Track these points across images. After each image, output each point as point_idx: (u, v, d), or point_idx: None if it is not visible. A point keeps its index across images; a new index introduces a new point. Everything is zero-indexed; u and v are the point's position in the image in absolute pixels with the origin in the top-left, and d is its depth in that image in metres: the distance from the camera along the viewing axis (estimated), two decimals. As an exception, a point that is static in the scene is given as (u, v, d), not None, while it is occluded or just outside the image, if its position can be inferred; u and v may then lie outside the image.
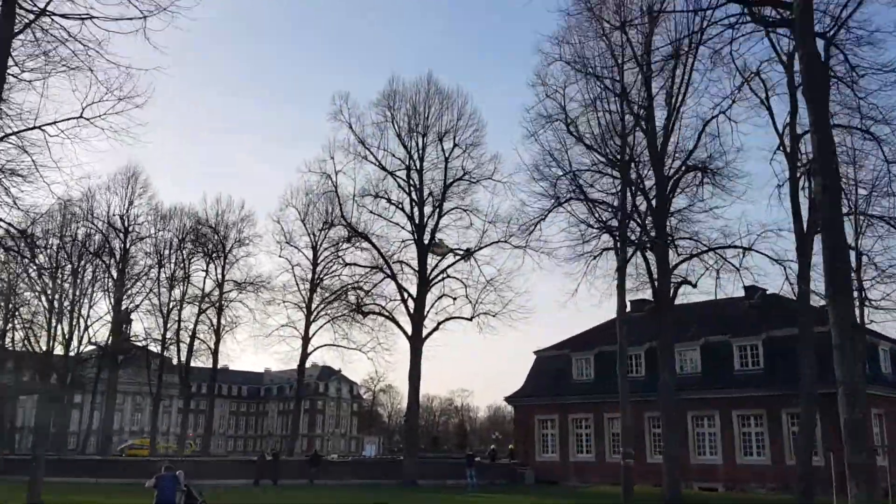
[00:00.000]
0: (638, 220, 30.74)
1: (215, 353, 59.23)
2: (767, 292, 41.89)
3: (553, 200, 30.59)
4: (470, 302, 42.47)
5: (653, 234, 30.75)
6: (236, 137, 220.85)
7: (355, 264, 43.04)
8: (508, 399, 49.16)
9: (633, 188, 30.86)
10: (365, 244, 43.90)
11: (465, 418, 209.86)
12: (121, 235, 63.29)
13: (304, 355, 57.10)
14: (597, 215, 30.77)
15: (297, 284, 57.17)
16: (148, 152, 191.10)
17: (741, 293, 37.22)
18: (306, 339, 57.20)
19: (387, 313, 42.60)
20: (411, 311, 41.48)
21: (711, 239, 31.69)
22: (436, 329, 41.86)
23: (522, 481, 44.24)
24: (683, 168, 31.48)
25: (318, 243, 58.12)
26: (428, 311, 41.68)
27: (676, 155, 31.92)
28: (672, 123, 31.01)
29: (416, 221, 42.39)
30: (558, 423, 45.22)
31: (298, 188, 59.50)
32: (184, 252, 64.67)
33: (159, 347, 66.12)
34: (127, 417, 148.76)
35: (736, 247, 30.83)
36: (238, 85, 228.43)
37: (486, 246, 42.48)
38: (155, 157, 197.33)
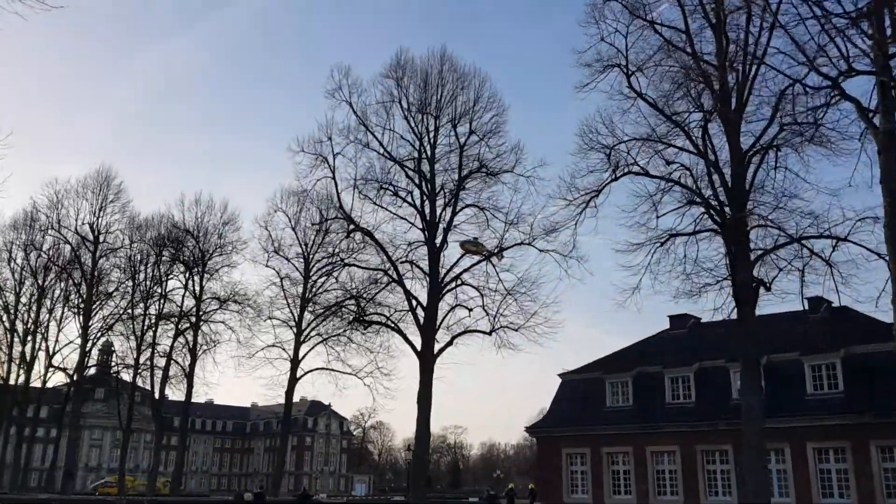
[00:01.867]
0: (716, 201, 24.38)
1: (190, 376, 52.17)
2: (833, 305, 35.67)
3: (609, 171, 24.28)
4: (488, 314, 36.10)
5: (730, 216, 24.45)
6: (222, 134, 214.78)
7: (354, 264, 36.35)
8: (530, 430, 42.57)
9: (707, 161, 24.65)
10: (366, 246, 37.58)
11: (459, 456, 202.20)
12: (90, 246, 56.73)
13: (293, 380, 50.32)
14: (665, 186, 24.42)
15: (285, 299, 50.65)
16: (130, 159, 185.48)
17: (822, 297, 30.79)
18: (295, 362, 50.56)
19: (392, 324, 35.95)
20: (421, 321, 35.01)
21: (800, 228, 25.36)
22: (449, 344, 35.41)
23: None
24: (761, 140, 25.37)
25: (311, 254, 51.82)
26: (440, 323, 35.24)
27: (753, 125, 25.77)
28: (749, 85, 24.95)
29: (427, 218, 36.12)
30: (590, 457, 38.49)
31: (289, 190, 52.88)
32: (160, 266, 58.12)
33: (132, 374, 59.23)
34: (106, 453, 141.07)
35: (829, 236, 24.52)
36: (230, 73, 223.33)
37: (507, 248, 36.26)
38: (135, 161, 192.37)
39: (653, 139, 25.17)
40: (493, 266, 35.48)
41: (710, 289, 24.42)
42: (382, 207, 35.59)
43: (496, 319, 35.46)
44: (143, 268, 59.25)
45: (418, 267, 35.44)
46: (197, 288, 53.10)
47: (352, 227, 35.33)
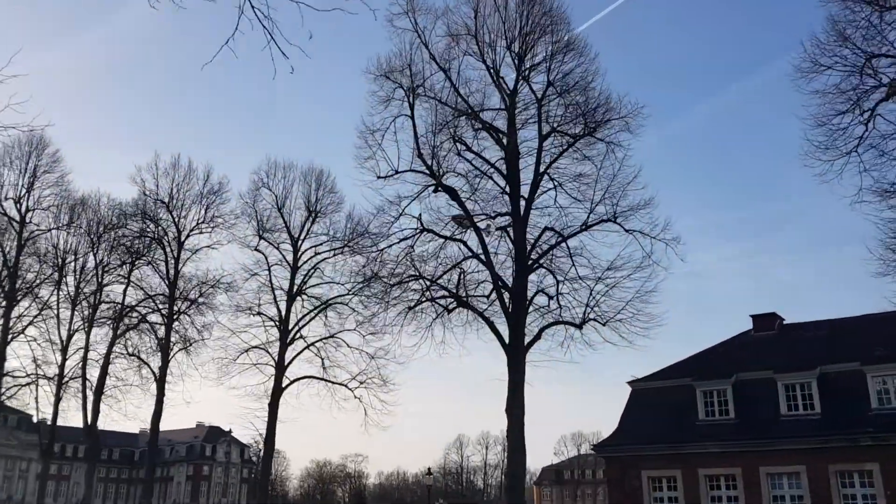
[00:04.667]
0: None
1: (161, 381, 41.81)
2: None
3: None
4: (558, 303, 29.03)
5: None
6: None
7: (432, 230, 27.95)
8: (598, 448, 35.60)
9: None
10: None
11: (361, 486, 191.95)
12: (15, 227, 45.90)
13: (278, 390, 41.40)
14: None
15: (272, 292, 41.88)
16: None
17: None
18: (281, 368, 41.74)
19: (479, 310, 28.00)
20: (508, 307, 27.56)
21: None
22: (537, 337, 28.04)
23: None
24: None
25: (300, 239, 43.40)
26: (529, 307, 27.88)
27: None
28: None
29: (510, 182, 28.85)
30: (682, 481, 31.85)
31: (276, 162, 44.17)
32: (97, 254, 47.82)
33: (55, 386, 48.22)
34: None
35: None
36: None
37: (594, 225, 29.53)
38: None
39: None
40: (581, 248, 28.61)
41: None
42: (468, 160, 27.94)
43: (590, 310, 28.43)
44: (72, 257, 48.83)
45: (509, 237, 28.02)
46: (171, 271, 43.04)
47: (432, 183, 27.43)
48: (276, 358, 41.37)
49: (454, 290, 28.23)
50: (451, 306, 28.26)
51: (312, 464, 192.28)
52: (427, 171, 27.33)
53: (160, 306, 42.62)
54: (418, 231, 27.24)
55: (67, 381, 47.86)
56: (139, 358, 42.14)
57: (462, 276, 27.80)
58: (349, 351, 43.04)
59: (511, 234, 28.00)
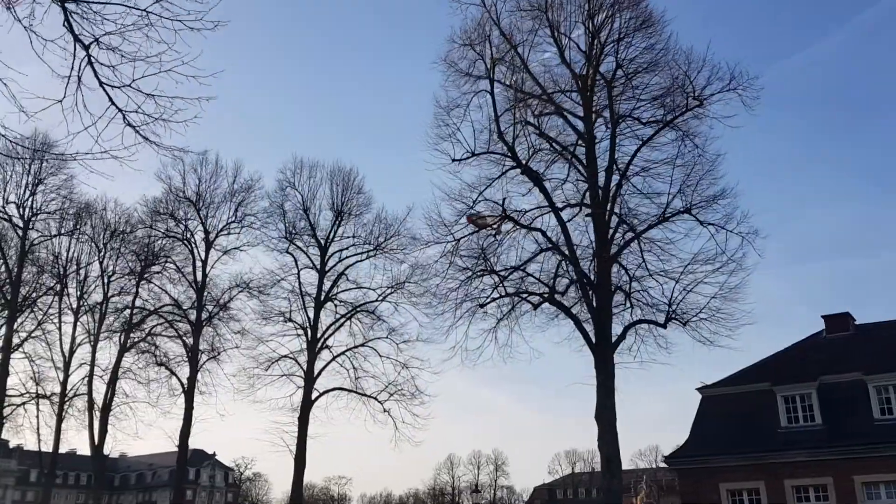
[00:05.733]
0: None
1: (189, 392, 38.30)
2: None
3: None
4: (630, 300, 26.59)
5: None
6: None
7: (512, 218, 25.01)
8: (668, 459, 33.07)
9: None
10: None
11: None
12: (19, 232, 42.69)
13: (308, 404, 38.50)
14: None
15: (301, 298, 39.08)
16: None
17: None
18: (310, 380, 38.89)
19: (565, 306, 25.30)
20: (593, 302, 25.07)
21: None
22: (622, 337, 25.57)
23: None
24: None
25: (329, 241, 40.74)
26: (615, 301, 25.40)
27: None
28: None
29: (588, 167, 26.46)
30: (765, 492, 29.45)
31: (302, 161, 41.55)
32: (104, 259, 44.72)
33: (57, 406, 44.80)
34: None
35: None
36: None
37: (670, 217, 27.23)
38: None
39: None
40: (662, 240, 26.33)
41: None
42: (539, 143, 25.42)
43: (677, 306, 26.02)
44: (75, 266, 45.65)
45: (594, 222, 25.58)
46: (198, 274, 39.87)
47: (511, 166, 24.80)
48: (305, 368, 38.56)
49: (523, 286, 25.73)
50: (524, 303, 25.76)
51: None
52: (508, 154, 24.84)
53: (186, 312, 39.44)
54: (499, 218, 24.64)
55: (71, 399, 44.51)
56: (168, 368, 38.89)
57: (538, 271, 25.36)
58: (378, 361, 40.37)
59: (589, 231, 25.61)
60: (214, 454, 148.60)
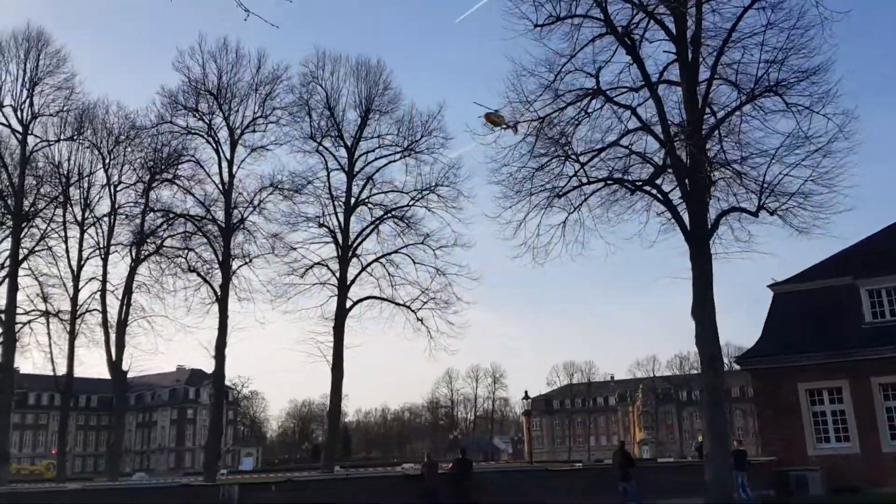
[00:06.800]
0: None
1: (223, 302, 35.52)
2: None
3: None
4: (731, 185, 24.05)
5: None
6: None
7: (605, 94, 21.92)
8: (741, 360, 31.23)
9: None
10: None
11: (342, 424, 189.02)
12: (17, 136, 39.37)
13: (342, 313, 36.20)
14: None
15: (332, 202, 36.34)
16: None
17: None
18: (343, 288, 36.48)
19: (664, 191, 22.56)
20: (686, 186, 22.48)
21: None
22: (716, 226, 23.08)
23: (802, 488, 26.63)
24: None
25: (356, 140, 37.73)
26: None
27: None
28: None
29: (678, 33, 23.39)
30: (849, 392, 27.75)
31: (325, 53, 38.10)
32: (110, 164, 41.57)
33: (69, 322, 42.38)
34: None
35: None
36: None
37: (759, 96, 24.38)
38: None
39: None
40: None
41: None
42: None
43: (765, 192, 23.44)
44: (77, 175, 42.52)
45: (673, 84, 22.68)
46: (225, 174, 36.69)
47: (602, 32, 21.60)
48: (339, 276, 36.10)
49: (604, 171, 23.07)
50: (596, 194, 23.19)
51: (291, 404, 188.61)
52: (600, 17, 21.66)
53: (214, 214, 36.42)
54: (591, 92, 21.69)
55: (82, 316, 42.04)
56: (199, 274, 36.01)
57: (627, 155, 22.62)
58: (412, 269, 38.00)
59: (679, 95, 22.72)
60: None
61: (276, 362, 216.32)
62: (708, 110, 24.42)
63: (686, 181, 22.55)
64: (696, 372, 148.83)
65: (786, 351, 29.15)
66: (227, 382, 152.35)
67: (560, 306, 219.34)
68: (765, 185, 23.74)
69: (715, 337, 21.84)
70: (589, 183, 22.64)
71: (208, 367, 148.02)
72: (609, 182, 22.67)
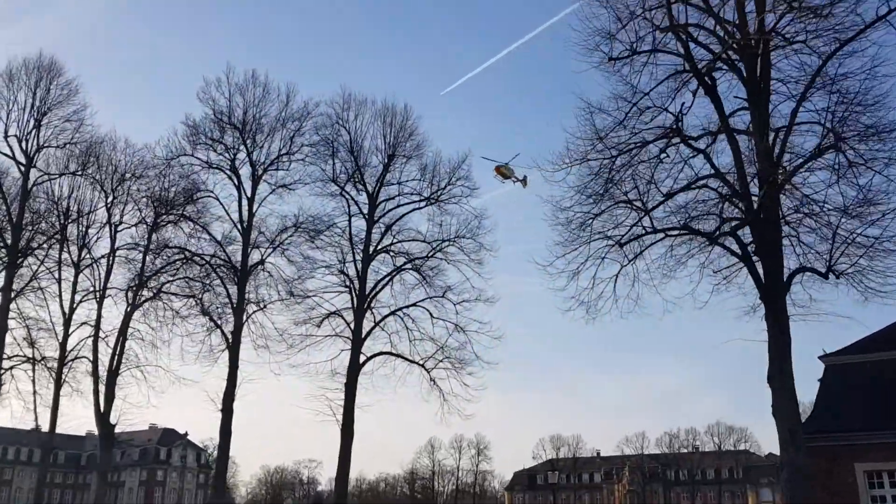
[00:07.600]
0: None
1: (234, 349, 32.90)
2: None
3: None
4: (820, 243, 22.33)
5: None
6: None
7: (689, 137, 19.75)
8: (793, 436, 28.96)
9: None
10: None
11: (316, 492, 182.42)
12: (21, 169, 37.29)
13: (356, 368, 33.77)
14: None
15: (352, 247, 34.25)
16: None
17: None
18: (358, 342, 34.17)
19: (744, 243, 20.58)
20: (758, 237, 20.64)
21: None
22: (789, 284, 21.20)
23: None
24: None
25: (378, 185, 35.96)
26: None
27: None
28: None
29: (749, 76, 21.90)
30: (915, 476, 25.55)
31: (351, 95, 36.62)
32: (112, 203, 39.44)
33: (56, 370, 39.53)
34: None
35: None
36: None
37: (826, 150, 22.87)
38: None
39: None
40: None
41: None
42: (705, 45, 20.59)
43: (835, 254, 21.70)
44: (76, 207, 40.30)
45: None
46: (244, 212, 34.39)
47: (683, 71, 19.85)
48: (353, 327, 33.83)
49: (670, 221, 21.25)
50: (656, 244, 21.34)
51: (262, 470, 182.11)
52: (681, 53, 20.03)
53: (229, 255, 33.99)
54: (669, 132, 19.94)
55: (73, 361, 39.23)
56: (212, 318, 33.43)
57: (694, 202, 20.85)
58: (429, 325, 35.82)
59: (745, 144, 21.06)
60: (186, 434, 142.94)
61: (252, 426, 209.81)
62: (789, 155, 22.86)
63: (761, 234, 20.78)
64: (685, 451, 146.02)
65: (841, 428, 26.99)
66: (198, 443, 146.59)
67: (551, 375, 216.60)
68: (835, 244, 22.07)
69: (794, 407, 19.79)
70: (655, 231, 20.81)
71: (182, 427, 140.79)
72: (682, 232, 20.76)
